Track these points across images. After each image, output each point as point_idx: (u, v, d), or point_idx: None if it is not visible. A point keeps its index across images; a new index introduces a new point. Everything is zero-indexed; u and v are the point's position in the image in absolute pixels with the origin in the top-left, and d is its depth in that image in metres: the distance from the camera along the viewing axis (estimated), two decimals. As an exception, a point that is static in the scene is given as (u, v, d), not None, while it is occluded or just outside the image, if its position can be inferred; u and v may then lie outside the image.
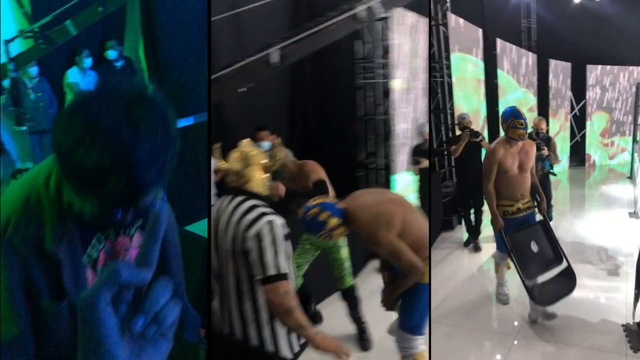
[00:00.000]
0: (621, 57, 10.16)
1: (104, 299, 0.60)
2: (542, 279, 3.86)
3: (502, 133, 4.03)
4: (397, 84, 6.40)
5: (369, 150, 6.58)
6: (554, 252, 4.00)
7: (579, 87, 10.49)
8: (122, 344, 0.63)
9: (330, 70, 6.80)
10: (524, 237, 3.93)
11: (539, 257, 3.91)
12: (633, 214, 6.70)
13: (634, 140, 9.10)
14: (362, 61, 6.52)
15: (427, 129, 5.84)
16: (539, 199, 4.06)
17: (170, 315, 0.66)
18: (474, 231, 5.81)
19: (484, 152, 5.60)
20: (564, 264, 3.98)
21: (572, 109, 10.57)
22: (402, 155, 6.46)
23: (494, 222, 3.91)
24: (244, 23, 5.67)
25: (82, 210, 1.22)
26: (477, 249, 5.75)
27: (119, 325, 0.62)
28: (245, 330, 2.30)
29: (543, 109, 9.40)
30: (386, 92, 6.45)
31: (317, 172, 3.74)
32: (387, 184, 6.40)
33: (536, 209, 4.07)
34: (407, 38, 6.57)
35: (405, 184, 6.38)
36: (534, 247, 3.92)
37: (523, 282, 3.77)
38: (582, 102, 10.45)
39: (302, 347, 2.42)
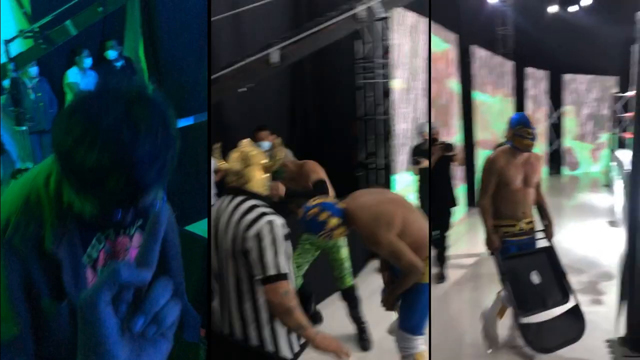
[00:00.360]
0: (597, 67, 10.18)
1: (104, 299, 0.60)
2: (540, 318, 3.39)
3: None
4: (397, 84, 6.40)
5: (369, 150, 6.59)
6: (559, 286, 3.47)
7: (556, 96, 10.50)
8: (122, 344, 0.63)
9: (330, 70, 6.81)
10: (524, 264, 3.42)
11: (539, 291, 3.39)
12: (613, 223, 6.51)
13: (611, 149, 9.12)
14: (362, 61, 6.53)
15: (427, 129, 5.83)
16: (546, 221, 3.59)
17: (170, 315, 0.66)
18: (439, 258, 5.18)
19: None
20: (571, 303, 3.47)
21: (550, 117, 10.60)
22: (402, 155, 6.45)
23: (488, 241, 3.43)
24: (244, 23, 5.68)
25: (82, 210, 1.22)
26: (440, 278, 5.11)
27: (119, 325, 0.63)
28: (245, 330, 2.30)
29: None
30: (386, 92, 6.46)
31: (317, 172, 3.74)
32: (387, 184, 6.40)
33: (538, 234, 3.59)
34: (407, 38, 6.56)
35: (405, 184, 6.38)
36: (535, 279, 3.41)
37: (516, 319, 3.34)
38: (560, 110, 10.47)
39: (302, 347, 2.42)
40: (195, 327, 1.85)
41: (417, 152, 5.80)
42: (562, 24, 10.21)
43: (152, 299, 0.64)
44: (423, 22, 6.72)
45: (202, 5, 4.42)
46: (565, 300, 3.46)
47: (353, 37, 6.30)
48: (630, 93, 4.26)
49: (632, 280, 3.41)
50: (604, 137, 10.55)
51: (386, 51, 6.42)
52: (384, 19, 6.10)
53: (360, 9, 5.45)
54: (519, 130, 3.40)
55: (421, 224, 2.95)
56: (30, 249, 1.23)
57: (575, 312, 3.46)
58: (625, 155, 5.38)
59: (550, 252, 3.54)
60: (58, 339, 1.28)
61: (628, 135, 4.07)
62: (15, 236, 1.22)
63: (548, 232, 3.57)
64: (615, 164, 7.74)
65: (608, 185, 8.49)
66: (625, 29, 3.48)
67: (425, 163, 5.67)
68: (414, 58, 6.72)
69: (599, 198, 8.28)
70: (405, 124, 6.56)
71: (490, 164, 3.48)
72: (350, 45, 6.44)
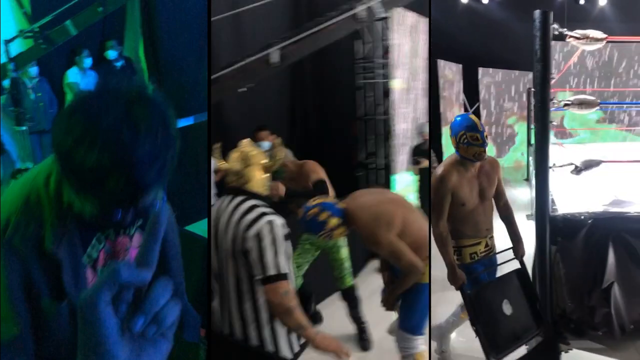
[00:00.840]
0: (511, 62, 9.95)
1: (104, 299, 0.60)
2: (515, 355, 2.91)
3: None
4: (397, 84, 6.40)
5: (369, 150, 6.59)
6: (533, 314, 3.01)
7: (471, 90, 10.19)
8: (122, 344, 0.63)
9: (330, 70, 6.80)
10: (495, 295, 2.90)
11: (512, 324, 2.90)
12: (530, 216, 6.21)
13: (529, 143, 9.13)
14: (362, 61, 6.53)
15: (427, 129, 5.83)
16: (515, 238, 3.12)
17: (170, 315, 0.66)
18: None
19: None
20: (542, 332, 3.03)
21: (466, 111, 10.47)
22: (402, 155, 6.46)
23: (451, 276, 2.85)
24: (244, 23, 5.67)
25: (82, 210, 1.22)
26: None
27: (119, 325, 0.63)
28: (245, 330, 2.30)
29: (433, 113, 9.00)
30: (386, 92, 6.46)
31: (317, 172, 3.75)
32: (387, 184, 6.40)
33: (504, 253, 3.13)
34: (407, 38, 6.57)
35: (405, 184, 6.38)
36: (507, 309, 2.89)
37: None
38: (476, 105, 10.37)
39: (302, 347, 2.42)
40: (195, 327, 1.85)
41: (417, 152, 5.81)
42: (474, 16, 9.83)
43: (152, 299, 0.64)
44: (423, 22, 6.72)
45: (202, 5, 4.41)
46: (539, 329, 3.00)
47: (353, 37, 6.30)
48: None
49: (543, 274, 3.28)
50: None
51: (386, 51, 6.42)
52: (384, 19, 6.10)
53: (360, 9, 5.44)
54: (463, 137, 2.84)
55: (421, 224, 2.95)
56: (30, 249, 1.23)
57: (550, 345, 3.03)
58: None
59: (522, 274, 3.07)
60: (58, 339, 1.28)
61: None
62: (15, 236, 1.22)
63: (518, 251, 3.09)
64: (532, 158, 7.78)
65: (527, 179, 8.54)
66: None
67: (425, 163, 5.68)
68: (414, 58, 6.73)
69: (519, 192, 8.30)
70: (405, 124, 6.56)
71: (439, 183, 2.91)
72: (350, 45, 6.43)
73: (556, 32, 3.37)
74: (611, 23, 9.25)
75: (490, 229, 3.07)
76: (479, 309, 2.82)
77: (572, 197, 4.20)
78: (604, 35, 3.66)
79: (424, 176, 5.75)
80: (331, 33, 5.39)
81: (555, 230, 3.43)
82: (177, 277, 1.65)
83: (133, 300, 0.64)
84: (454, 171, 2.91)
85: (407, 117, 6.62)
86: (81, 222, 1.28)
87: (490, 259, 3.09)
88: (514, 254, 3.12)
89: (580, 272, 3.50)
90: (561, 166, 3.96)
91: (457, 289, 2.87)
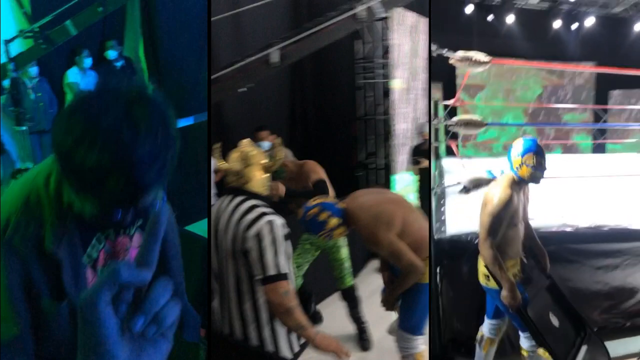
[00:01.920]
0: None
1: (104, 299, 0.60)
2: None
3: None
4: (397, 84, 6.40)
5: (369, 150, 6.59)
6: (575, 319, 3.03)
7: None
8: (122, 344, 0.63)
9: (330, 70, 6.80)
10: (540, 311, 2.87)
11: (564, 335, 2.92)
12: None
13: (437, 157, 9.02)
14: (362, 61, 6.53)
15: (427, 129, 5.83)
16: (538, 252, 3.08)
17: (170, 315, 0.66)
18: None
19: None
20: (587, 332, 3.05)
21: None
22: (402, 155, 6.46)
23: (510, 297, 2.74)
24: (244, 23, 5.68)
25: (82, 210, 1.22)
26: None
27: (119, 325, 0.63)
28: (245, 330, 2.30)
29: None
30: (386, 92, 6.46)
31: (317, 172, 3.75)
32: (387, 184, 6.40)
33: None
34: (407, 38, 6.57)
35: (405, 184, 6.38)
36: (554, 321, 2.92)
37: None
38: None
39: (302, 347, 2.42)
40: (195, 327, 1.85)
41: (417, 152, 5.81)
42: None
43: (152, 299, 0.64)
44: (423, 22, 6.72)
45: (202, 5, 4.41)
46: (583, 331, 3.02)
47: (353, 37, 6.30)
48: (451, 101, 4.11)
49: (430, 299, 3.12)
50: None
51: (386, 51, 6.42)
52: (384, 19, 6.10)
53: (360, 9, 5.44)
54: (530, 159, 2.82)
55: (421, 224, 2.95)
56: (30, 249, 1.23)
57: (594, 339, 3.04)
58: (450, 164, 4.75)
59: (553, 285, 3.07)
60: (58, 339, 1.28)
61: (453, 144, 3.88)
62: (15, 236, 1.22)
63: (545, 265, 3.06)
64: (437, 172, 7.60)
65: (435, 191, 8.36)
66: (448, 35, 3.43)
67: (425, 163, 5.68)
68: (414, 58, 6.73)
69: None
70: (405, 124, 6.56)
71: (504, 206, 2.81)
72: (350, 45, 6.44)
73: (434, 55, 3.33)
74: (518, 41, 9.13)
75: (524, 247, 3.00)
76: (541, 327, 2.76)
77: (467, 217, 4.08)
78: (488, 58, 3.56)
79: (424, 176, 5.75)
80: (331, 33, 5.39)
81: (442, 253, 3.37)
82: (177, 277, 1.65)
83: (133, 300, 0.64)
84: (514, 193, 2.85)
85: (407, 117, 6.62)
86: (81, 222, 1.28)
87: (524, 276, 2.98)
88: (540, 268, 3.05)
89: (467, 292, 3.41)
90: (448, 186, 3.83)
91: (514, 310, 2.77)
